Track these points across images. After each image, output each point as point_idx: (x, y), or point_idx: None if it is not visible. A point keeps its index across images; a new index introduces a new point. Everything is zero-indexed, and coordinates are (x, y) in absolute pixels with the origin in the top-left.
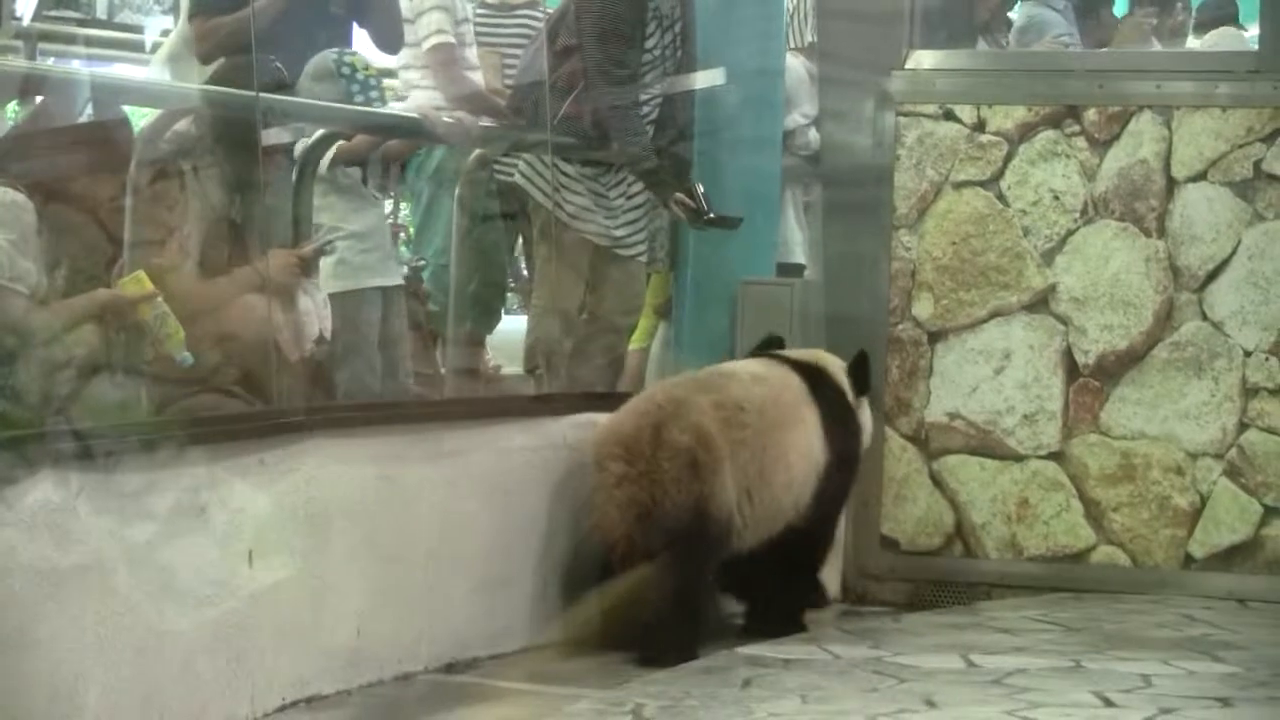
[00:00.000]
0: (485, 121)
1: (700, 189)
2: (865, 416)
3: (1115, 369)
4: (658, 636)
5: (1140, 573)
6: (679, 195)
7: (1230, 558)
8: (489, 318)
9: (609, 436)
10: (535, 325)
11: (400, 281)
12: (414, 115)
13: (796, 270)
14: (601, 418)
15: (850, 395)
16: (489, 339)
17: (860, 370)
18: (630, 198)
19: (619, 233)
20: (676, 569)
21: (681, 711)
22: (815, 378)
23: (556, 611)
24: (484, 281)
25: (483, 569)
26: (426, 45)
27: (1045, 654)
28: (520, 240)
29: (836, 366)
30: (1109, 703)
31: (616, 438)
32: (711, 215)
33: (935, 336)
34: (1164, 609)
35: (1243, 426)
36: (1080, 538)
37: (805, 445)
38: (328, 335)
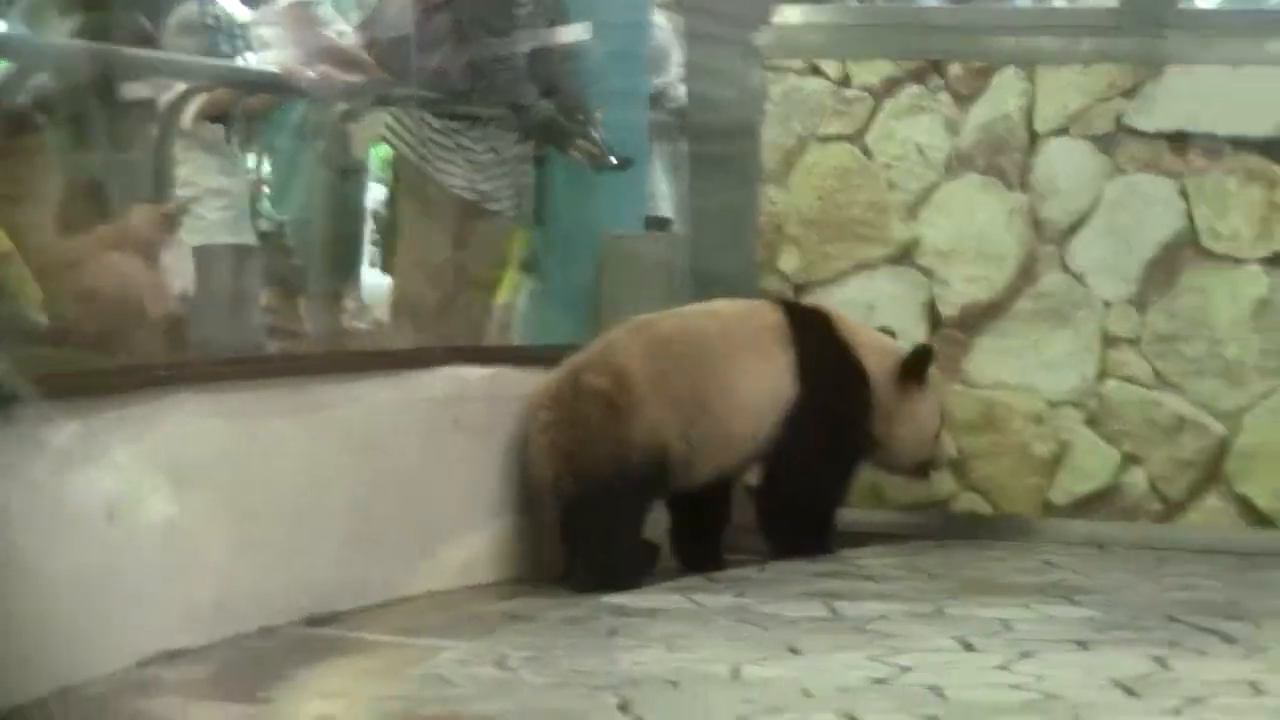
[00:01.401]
0: (348, 76)
1: (597, 134)
2: (922, 407)
3: (978, 320)
4: (586, 571)
5: (1002, 520)
6: (579, 141)
7: (1089, 505)
8: (351, 272)
9: (540, 387)
10: (401, 280)
11: (253, 241)
12: (278, 70)
13: (663, 224)
14: (467, 371)
15: (868, 365)
16: (356, 294)
17: (915, 361)
18: (498, 152)
19: (485, 187)
20: (601, 507)
21: (547, 661)
22: (807, 320)
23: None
24: (347, 236)
25: (348, 522)
26: (284, 1)
27: (908, 600)
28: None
29: (851, 323)
30: (970, 647)
31: (544, 387)
32: (614, 159)
33: (801, 290)
34: (1025, 555)
35: (1102, 376)
36: (943, 486)
37: (762, 376)
38: (191, 291)
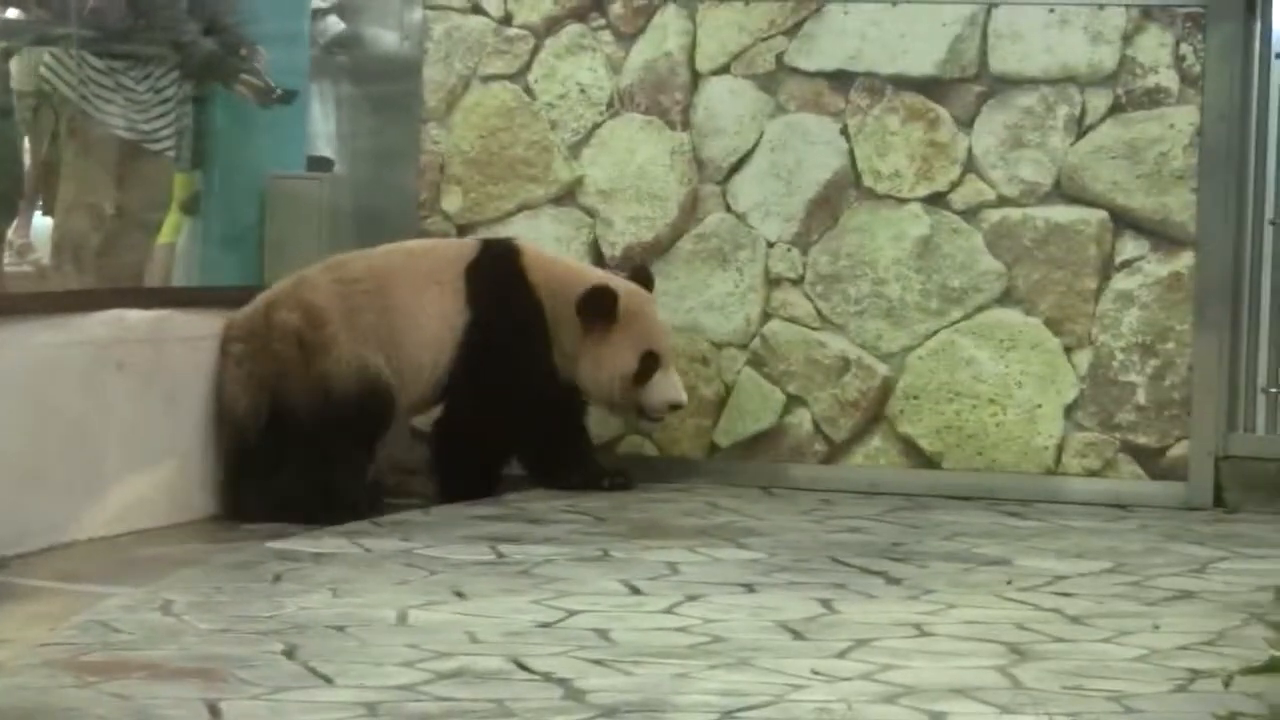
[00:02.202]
0: (5, 13)
1: (260, 66)
2: (605, 349)
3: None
4: (297, 504)
5: (668, 462)
6: (244, 77)
7: (754, 446)
8: (12, 213)
9: (231, 322)
10: (62, 221)
11: None
12: None
13: (325, 164)
14: (129, 314)
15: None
16: (20, 234)
17: (587, 302)
18: (159, 92)
19: (147, 127)
20: (301, 444)
21: (211, 606)
22: (491, 253)
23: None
24: (7, 176)
25: (10, 466)
26: None
27: (574, 544)
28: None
29: (543, 258)
30: (636, 591)
31: (236, 322)
32: (279, 91)
33: (465, 230)
34: (691, 498)
35: (766, 316)
36: (608, 427)
37: (438, 305)
38: None
